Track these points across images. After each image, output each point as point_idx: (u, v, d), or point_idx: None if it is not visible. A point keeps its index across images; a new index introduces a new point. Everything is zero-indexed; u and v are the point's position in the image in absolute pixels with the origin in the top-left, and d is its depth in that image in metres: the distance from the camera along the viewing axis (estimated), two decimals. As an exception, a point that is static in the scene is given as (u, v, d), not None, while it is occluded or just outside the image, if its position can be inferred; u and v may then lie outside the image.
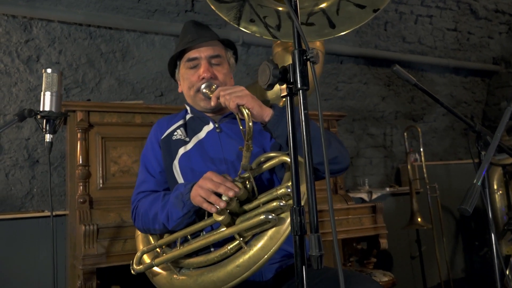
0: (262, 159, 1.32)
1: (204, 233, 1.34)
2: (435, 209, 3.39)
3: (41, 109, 1.33)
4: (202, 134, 1.49)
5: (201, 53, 1.45)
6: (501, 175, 3.63)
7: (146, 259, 1.44)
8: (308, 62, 0.87)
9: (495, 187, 3.63)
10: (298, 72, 0.87)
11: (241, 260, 1.25)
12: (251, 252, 1.24)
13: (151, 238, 1.48)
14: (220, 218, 1.23)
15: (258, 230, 1.24)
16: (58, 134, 2.61)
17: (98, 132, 2.24)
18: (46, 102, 1.34)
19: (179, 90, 1.58)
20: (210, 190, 1.21)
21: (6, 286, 2.32)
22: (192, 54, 1.46)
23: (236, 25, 1.22)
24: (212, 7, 1.24)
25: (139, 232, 1.55)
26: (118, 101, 2.77)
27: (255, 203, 1.28)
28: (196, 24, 1.53)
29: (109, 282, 2.12)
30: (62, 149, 2.66)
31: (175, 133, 1.51)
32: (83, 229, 1.80)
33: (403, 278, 3.51)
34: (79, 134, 2.18)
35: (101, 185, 2.19)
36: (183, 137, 1.50)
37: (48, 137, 1.36)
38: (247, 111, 1.22)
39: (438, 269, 3.38)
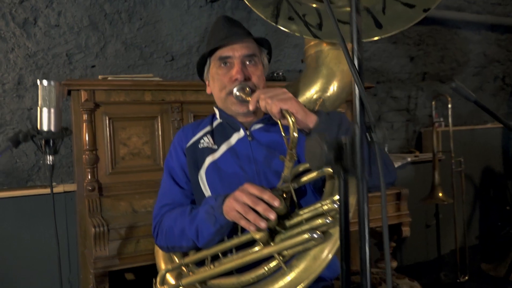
0: (300, 169, 1.19)
1: (234, 250, 1.21)
2: (457, 181, 3.24)
3: (38, 127, 1.14)
4: (232, 141, 1.35)
5: (235, 51, 1.28)
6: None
7: (170, 278, 1.33)
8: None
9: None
10: (357, 157, 0.67)
11: (280, 283, 1.13)
12: (292, 274, 1.12)
13: (173, 255, 1.37)
14: (259, 236, 1.10)
15: (300, 249, 1.11)
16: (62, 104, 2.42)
17: (105, 112, 2.06)
18: (44, 120, 1.15)
19: (208, 91, 1.41)
20: (248, 205, 1.08)
21: (15, 262, 2.28)
22: (224, 52, 1.29)
23: (273, 23, 1.14)
24: (247, 3, 1.17)
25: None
26: (125, 67, 2.54)
27: (297, 219, 1.13)
28: (229, 20, 1.35)
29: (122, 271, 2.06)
30: (67, 119, 2.49)
31: (202, 141, 1.37)
32: (93, 231, 1.69)
33: (417, 245, 3.48)
34: (84, 116, 2.00)
35: (110, 170, 2.06)
36: (210, 145, 1.36)
37: (49, 159, 1.19)
38: (292, 118, 1.08)
39: (454, 237, 3.30)
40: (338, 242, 1.09)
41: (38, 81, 1.11)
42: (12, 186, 2.43)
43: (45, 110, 1.15)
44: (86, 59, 2.46)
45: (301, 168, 1.20)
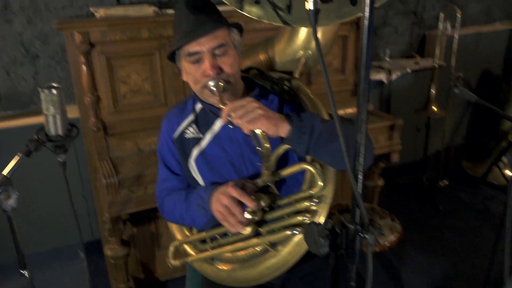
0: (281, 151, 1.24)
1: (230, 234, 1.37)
2: (454, 95, 3.28)
3: (45, 132, 1.17)
4: (216, 128, 1.36)
5: (202, 46, 1.20)
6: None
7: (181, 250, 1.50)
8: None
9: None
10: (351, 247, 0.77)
11: (271, 262, 1.32)
12: (279, 257, 1.30)
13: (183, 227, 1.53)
14: (246, 232, 1.24)
15: (284, 239, 1.28)
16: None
17: (101, 51, 2.01)
18: (50, 126, 1.17)
19: (184, 78, 1.36)
20: (229, 208, 1.18)
21: (25, 190, 2.47)
22: (192, 48, 1.21)
23: (238, 9, 0.98)
24: None
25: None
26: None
27: (279, 213, 1.28)
28: (192, 8, 1.21)
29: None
30: (61, 42, 2.41)
31: (187, 131, 1.39)
32: (104, 182, 1.83)
33: (405, 147, 3.68)
34: (81, 58, 1.96)
35: (113, 109, 2.10)
36: (196, 135, 1.38)
37: (61, 158, 1.24)
38: (264, 140, 1.13)
39: (442, 138, 3.48)
40: None
41: (39, 89, 1.10)
42: (16, 110, 2.48)
43: (50, 117, 1.16)
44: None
45: (281, 150, 1.22)
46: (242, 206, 1.18)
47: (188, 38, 1.19)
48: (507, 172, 3.49)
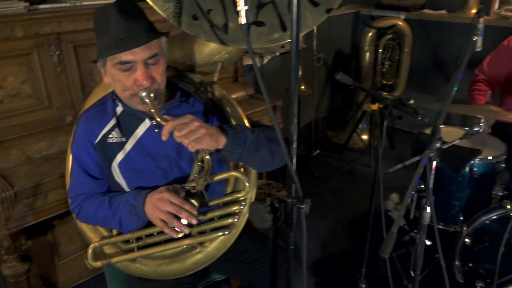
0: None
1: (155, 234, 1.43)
2: (317, 74, 3.70)
3: None
4: (139, 132, 1.39)
5: (136, 55, 1.20)
6: (373, 35, 4.00)
7: (100, 252, 1.50)
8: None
9: (366, 47, 4.04)
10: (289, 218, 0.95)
11: (198, 257, 1.44)
12: (206, 252, 1.44)
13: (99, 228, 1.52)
14: (180, 235, 1.30)
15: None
16: None
17: (-31, 54, 1.80)
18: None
19: (106, 81, 1.34)
20: (171, 213, 1.23)
21: None
22: (124, 56, 1.20)
23: (177, 24, 1.00)
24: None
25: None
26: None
27: (209, 215, 1.39)
28: (124, 13, 1.19)
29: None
30: None
31: (110, 135, 1.38)
32: (-1, 197, 1.68)
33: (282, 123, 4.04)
34: None
35: (-10, 117, 1.91)
36: (119, 139, 1.38)
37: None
38: (206, 156, 1.24)
39: (311, 112, 3.91)
40: (240, 229, 1.41)
41: None
42: None
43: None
44: None
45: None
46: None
47: (121, 48, 1.17)
48: (364, 137, 4.09)
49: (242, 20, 0.80)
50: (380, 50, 3.94)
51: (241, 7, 0.76)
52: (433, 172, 1.34)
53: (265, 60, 3.54)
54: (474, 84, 2.47)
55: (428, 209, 1.38)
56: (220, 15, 1.03)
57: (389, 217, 2.85)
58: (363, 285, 2.10)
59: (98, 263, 1.47)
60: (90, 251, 1.48)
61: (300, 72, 3.51)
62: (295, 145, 0.93)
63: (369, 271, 2.11)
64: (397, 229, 1.21)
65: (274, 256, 1.11)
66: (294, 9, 0.78)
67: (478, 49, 1.30)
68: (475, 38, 1.28)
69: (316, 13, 1.19)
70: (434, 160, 1.31)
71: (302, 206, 0.96)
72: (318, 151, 3.94)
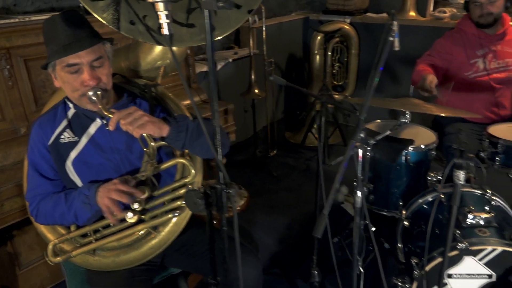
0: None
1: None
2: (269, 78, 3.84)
3: None
4: (91, 131, 1.50)
5: (82, 58, 1.34)
6: (321, 39, 4.21)
7: (60, 251, 1.58)
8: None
9: (316, 50, 4.24)
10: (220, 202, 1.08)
11: (153, 242, 1.55)
12: (161, 236, 1.55)
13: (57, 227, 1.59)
14: (133, 220, 1.42)
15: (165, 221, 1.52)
16: None
17: None
18: None
19: (56, 85, 1.45)
20: (115, 200, 1.36)
21: None
22: (71, 60, 1.34)
23: (116, 29, 1.10)
24: (86, 7, 1.09)
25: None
26: None
27: (160, 200, 1.50)
28: (70, 22, 1.32)
29: None
30: None
31: (62, 136, 1.49)
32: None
33: (238, 128, 4.16)
34: None
35: None
36: (71, 139, 1.49)
37: None
38: (151, 140, 1.38)
39: (266, 115, 4.06)
40: (190, 212, 1.53)
41: None
42: None
43: None
44: None
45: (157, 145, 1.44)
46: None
47: (68, 52, 1.30)
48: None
49: (165, 31, 0.92)
50: (329, 53, 4.14)
51: (163, 20, 0.88)
52: (360, 160, 1.50)
53: (219, 67, 3.67)
54: (416, 67, 2.61)
55: (359, 193, 1.53)
56: (154, 19, 1.13)
57: (340, 207, 3.03)
58: (315, 272, 2.25)
59: (59, 258, 1.55)
60: (50, 247, 1.55)
61: (253, 77, 3.66)
62: (219, 137, 1.06)
63: (321, 258, 2.26)
64: (328, 211, 1.35)
65: (212, 240, 1.23)
66: (206, 20, 0.90)
67: (396, 49, 1.47)
68: (391, 39, 1.44)
69: (239, 14, 1.27)
70: (360, 149, 1.47)
71: (229, 191, 1.09)
72: (275, 152, 4.09)
